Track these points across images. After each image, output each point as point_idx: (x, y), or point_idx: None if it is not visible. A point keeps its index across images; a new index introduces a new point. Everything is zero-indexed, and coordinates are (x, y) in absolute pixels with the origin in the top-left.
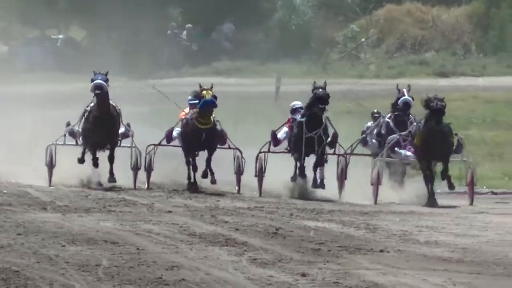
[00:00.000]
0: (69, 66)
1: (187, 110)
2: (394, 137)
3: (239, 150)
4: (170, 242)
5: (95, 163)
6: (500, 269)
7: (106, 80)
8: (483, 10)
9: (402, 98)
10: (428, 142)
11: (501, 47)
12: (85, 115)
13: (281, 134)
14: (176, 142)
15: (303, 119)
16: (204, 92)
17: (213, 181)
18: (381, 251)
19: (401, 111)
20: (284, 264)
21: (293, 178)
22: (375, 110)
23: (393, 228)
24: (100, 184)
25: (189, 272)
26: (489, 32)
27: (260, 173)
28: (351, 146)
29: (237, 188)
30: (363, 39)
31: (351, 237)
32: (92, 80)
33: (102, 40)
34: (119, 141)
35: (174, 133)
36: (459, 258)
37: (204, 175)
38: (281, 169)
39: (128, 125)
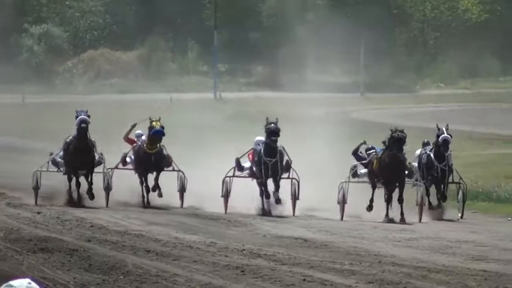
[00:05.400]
0: None
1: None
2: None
3: (182, 172)
4: None
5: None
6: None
7: (88, 117)
8: None
9: (442, 136)
10: (387, 168)
11: None
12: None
13: (245, 164)
14: (130, 165)
15: (261, 149)
16: (154, 123)
17: (160, 195)
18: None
19: (441, 146)
20: (27, 206)
21: (267, 196)
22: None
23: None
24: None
25: None
26: None
27: (226, 195)
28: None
29: (180, 202)
30: None
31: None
32: (77, 116)
33: None
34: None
35: (128, 159)
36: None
37: (153, 189)
38: (243, 191)
39: (101, 154)
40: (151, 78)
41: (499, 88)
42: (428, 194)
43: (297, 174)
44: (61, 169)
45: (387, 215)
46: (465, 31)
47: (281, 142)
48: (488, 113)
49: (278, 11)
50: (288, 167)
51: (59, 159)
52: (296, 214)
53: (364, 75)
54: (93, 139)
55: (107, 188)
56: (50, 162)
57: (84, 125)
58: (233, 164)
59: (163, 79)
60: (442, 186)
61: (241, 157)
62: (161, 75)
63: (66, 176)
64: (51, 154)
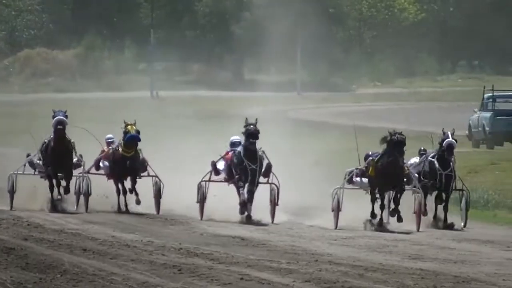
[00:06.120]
0: None
1: (105, 147)
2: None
3: (158, 177)
4: None
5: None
6: None
7: (66, 117)
8: None
9: (446, 140)
10: (385, 173)
11: None
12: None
13: (221, 166)
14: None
15: (241, 151)
16: (129, 127)
17: (137, 201)
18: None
19: (445, 151)
20: None
21: (242, 211)
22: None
23: None
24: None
25: None
26: None
27: (201, 200)
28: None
29: (156, 210)
30: None
31: None
32: (54, 117)
33: None
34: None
35: (101, 164)
36: None
37: (131, 192)
38: (221, 196)
39: (81, 156)
40: (88, 77)
41: (436, 87)
42: (424, 202)
43: (277, 179)
44: (38, 171)
45: (381, 219)
46: (402, 30)
47: (221, 139)
48: (425, 111)
49: (214, 10)
50: (268, 172)
51: (37, 161)
52: (279, 221)
53: (301, 74)
54: (72, 141)
55: (86, 193)
56: (27, 164)
57: (61, 126)
58: (204, 167)
59: (100, 78)
60: (445, 196)
61: (217, 161)
62: (98, 74)
63: (44, 180)
64: (28, 155)
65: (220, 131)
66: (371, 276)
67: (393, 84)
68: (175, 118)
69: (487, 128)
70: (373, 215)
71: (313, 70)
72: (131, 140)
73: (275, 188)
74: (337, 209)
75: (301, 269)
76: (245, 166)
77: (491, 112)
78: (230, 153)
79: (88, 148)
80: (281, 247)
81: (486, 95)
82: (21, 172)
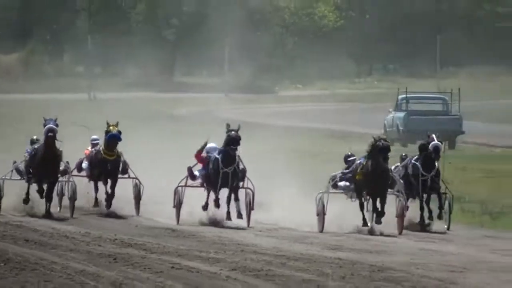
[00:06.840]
0: None
1: (89, 148)
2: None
3: (138, 179)
4: None
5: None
6: None
7: (56, 125)
8: None
9: (433, 143)
10: (372, 178)
11: None
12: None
13: (198, 171)
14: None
15: (219, 156)
16: (111, 127)
17: (108, 206)
18: None
19: (432, 153)
20: None
21: (205, 207)
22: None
23: None
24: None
25: None
26: None
27: (178, 205)
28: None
29: (136, 211)
30: None
31: None
32: (45, 125)
33: None
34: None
35: (83, 165)
36: None
37: (107, 200)
38: (197, 201)
39: (67, 162)
40: (30, 80)
41: (354, 89)
42: (422, 207)
43: (252, 184)
44: (25, 177)
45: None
46: (322, 36)
47: (160, 139)
48: (344, 112)
49: (147, 17)
50: (243, 176)
51: (23, 168)
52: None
53: (228, 76)
54: (60, 149)
55: (72, 197)
56: (14, 171)
57: (52, 134)
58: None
59: (41, 81)
60: (427, 197)
61: (193, 166)
62: (39, 76)
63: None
64: (15, 162)
65: (163, 131)
66: (293, 265)
67: (314, 87)
68: (116, 119)
69: (401, 128)
70: (364, 223)
71: (239, 73)
72: (112, 139)
73: (250, 192)
74: (322, 213)
75: (228, 258)
76: (225, 172)
77: (405, 112)
78: (203, 155)
79: (73, 151)
80: (210, 238)
81: (400, 96)
82: (9, 178)
